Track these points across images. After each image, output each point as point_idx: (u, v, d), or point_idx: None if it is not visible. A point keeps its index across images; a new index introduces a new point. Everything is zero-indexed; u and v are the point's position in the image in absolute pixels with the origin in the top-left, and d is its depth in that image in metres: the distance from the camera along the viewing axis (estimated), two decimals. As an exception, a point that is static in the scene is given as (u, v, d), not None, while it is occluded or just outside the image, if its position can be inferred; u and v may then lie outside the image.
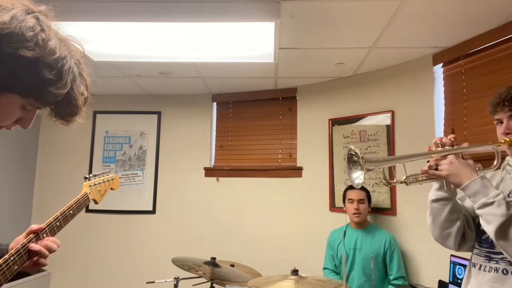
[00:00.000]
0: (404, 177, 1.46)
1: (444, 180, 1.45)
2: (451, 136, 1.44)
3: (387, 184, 1.50)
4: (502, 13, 2.22)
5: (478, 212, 1.34)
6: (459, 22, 2.35)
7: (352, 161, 1.44)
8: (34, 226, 1.12)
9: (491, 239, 1.35)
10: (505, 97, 1.42)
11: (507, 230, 1.25)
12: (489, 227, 1.29)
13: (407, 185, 1.47)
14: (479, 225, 1.48)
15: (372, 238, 2.87)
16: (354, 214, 2.89)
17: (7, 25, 0.75)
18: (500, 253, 1.35)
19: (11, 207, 3.73)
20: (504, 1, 2.09)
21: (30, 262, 1.08)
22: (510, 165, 1.47)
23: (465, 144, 1.44)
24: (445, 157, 1.41)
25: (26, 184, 3.96)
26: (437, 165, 1.42)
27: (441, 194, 1.47)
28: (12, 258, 1.01)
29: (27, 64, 0.77)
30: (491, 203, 1.28)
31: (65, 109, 0.91)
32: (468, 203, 1.52)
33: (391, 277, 2.79)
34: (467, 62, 2.60)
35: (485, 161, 1.57)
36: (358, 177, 1.41)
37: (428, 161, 1.47)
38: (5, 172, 3.64)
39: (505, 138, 1.42)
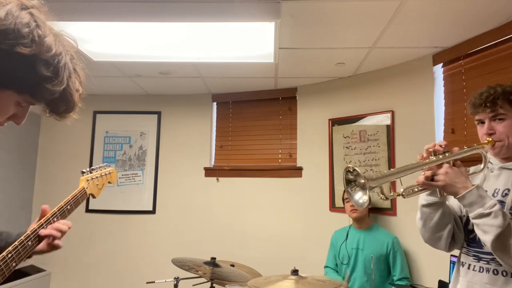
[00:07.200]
0: (402, 190, 1.41)
1: (438, 189, 1.42)
2: (443, 143, 1.42)
3: (385, 199, 1.44)
4: (502, 13, 2.22)
5: (474, 221, 1.33)
6: (459, 22, 2.35)
7: (350, 180, 1.35)
8: (46, 207, 1.14)
9: (479, 239, 1.35)
10: (486, 98, 1.43)
11: (504, 241, 1.25)
12: (486, 237, 1.28)
13: (404, 197, 1.43)
14: (466, 224, 1.49)
15: (375, 239, 2.87)
16: (351, 210, 2.90)
17: (3, 21, 0.73)
18: (490, 254, 1.35)
19: (11, 207, 3.72)
20: (504, 1, 2.09)
21: (31, 255, 1.08)
22: (492, 163, 1.48)
23: (456, 150, 1.41)
24: (440, 166, 1.38)
25: (26, 184, 3.96)
26: (433, 175, 1.38)
27: (432, 199, 1.44)
28: (10, 255, 0.98)
29: (24, 61, 0.76)
30: (488, 214, 1.27)
31: (61, 106, 0.90)
32: (453, 202, 1.50)
33: (394, 278, 2.79)
34: (467, 62, 2.60)
35: (468, 161, 1.55)
36: (361, 197, 1.33)
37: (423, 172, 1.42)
38: (5, 172, 3.64)
39: (488, 139, 1.43)
